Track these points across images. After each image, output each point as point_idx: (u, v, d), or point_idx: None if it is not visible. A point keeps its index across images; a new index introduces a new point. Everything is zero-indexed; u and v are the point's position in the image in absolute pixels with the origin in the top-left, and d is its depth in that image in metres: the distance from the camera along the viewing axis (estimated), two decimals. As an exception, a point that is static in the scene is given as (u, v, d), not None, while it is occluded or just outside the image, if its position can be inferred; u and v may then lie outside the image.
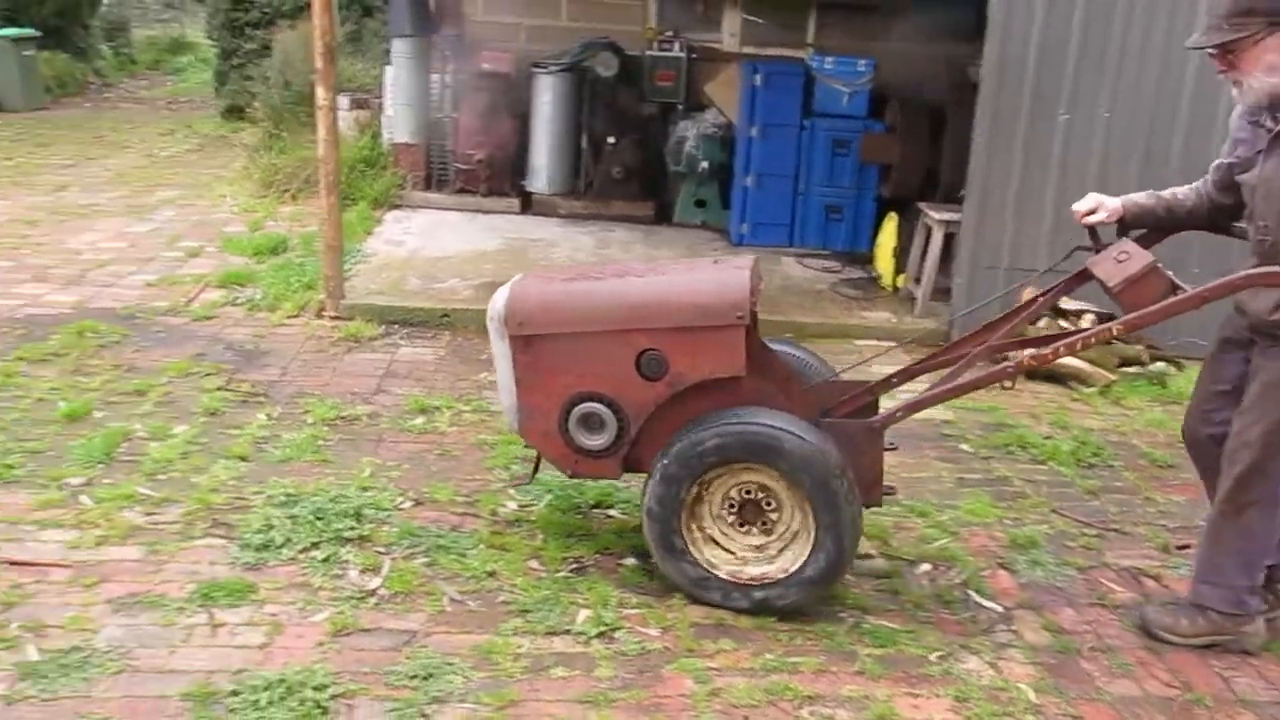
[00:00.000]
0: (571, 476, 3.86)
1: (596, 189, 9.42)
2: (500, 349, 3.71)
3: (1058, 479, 5.01)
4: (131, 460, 4.54)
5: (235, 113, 13.71)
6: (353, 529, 3.96)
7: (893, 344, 6.64)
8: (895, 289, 7.55)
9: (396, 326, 6.52)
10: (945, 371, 3.90)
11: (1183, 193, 3.63)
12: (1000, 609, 3.84)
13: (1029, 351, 3.56)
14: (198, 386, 5.41)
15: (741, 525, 3.61)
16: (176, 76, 21.35)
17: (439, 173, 9.54)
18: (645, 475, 3.61)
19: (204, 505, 4.13)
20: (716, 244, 8.70)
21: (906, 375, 4.02)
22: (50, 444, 4.64)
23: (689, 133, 9.06)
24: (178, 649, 3.25)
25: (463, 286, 7.09)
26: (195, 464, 4.53)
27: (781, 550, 3.58)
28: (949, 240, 6.91)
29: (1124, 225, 3.64)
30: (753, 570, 3.58)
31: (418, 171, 9.43)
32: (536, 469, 4.05)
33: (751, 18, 9.26)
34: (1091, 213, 3.63)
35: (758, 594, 3.55)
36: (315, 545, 3.84)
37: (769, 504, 3.57)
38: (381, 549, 3.87)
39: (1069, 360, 6.15)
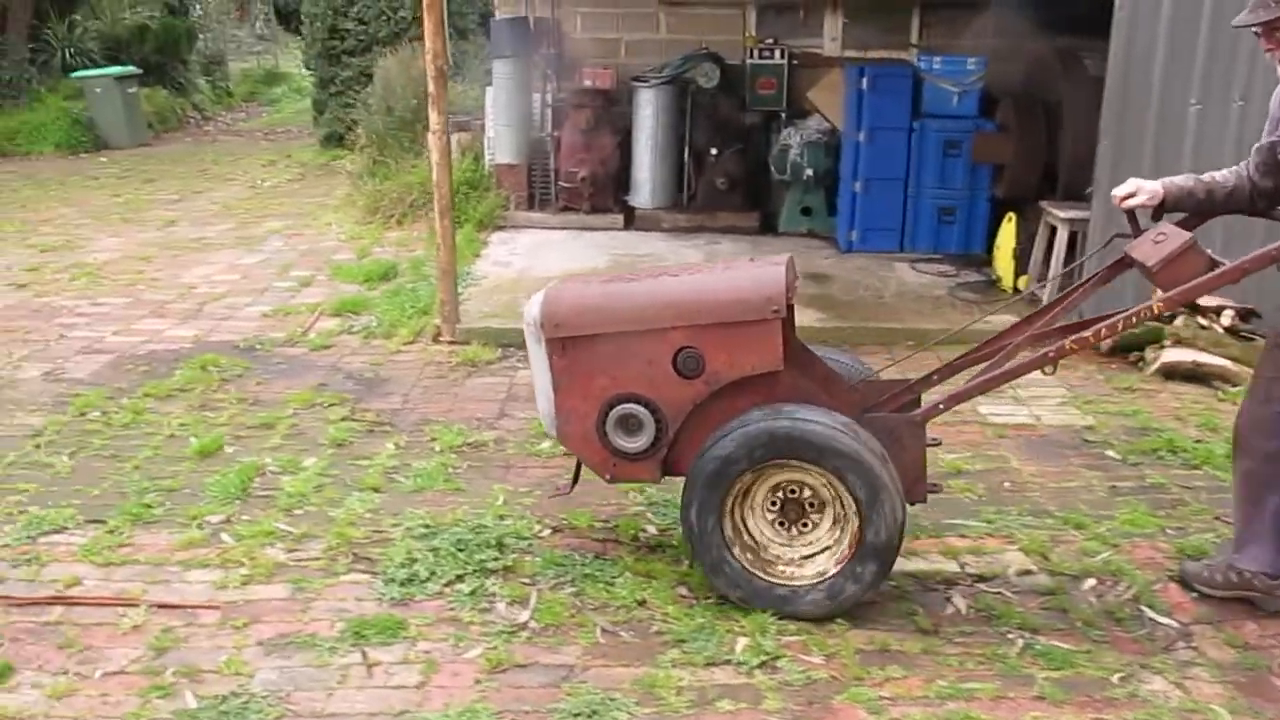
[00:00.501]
0: (610, 481, 3.80)
1: (700, 201, 9.30)
2: (537, 354, 3.69)
3: (1215, 484, 4.73)
4: (266, 495, 4.53)
5: (334, 140, 13.89)
6: (496, 559, 3.88)
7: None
8: (1016, 291, 7.30)
9: (513, 349, 6.46)
10: (986, 364, 3.80)
11: (1222, 175, 3.56)
12: (1177, 625, 3.62)
13: (1072, 337, 3.47)
14: (322, 417, 5.41)
15: (783, 525, 3.56)
16: (272, 107, 21.82)
17: (540, 192, 9.51)
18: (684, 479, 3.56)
19: (344, 540, 4.09)
20: (825, 252, 8.52)
21: (949, 371, 3.94)
22: (185, 481, 4.66)
23: (793, 140, 8.90)
24: (335, 691, 3.19)
25: (575, 306, 7.00)
26: (329, 497, 4.51)
27: (824, 549, 3.52)
28: (1073, 239, 6.66)
29: (1163, 208, 3.58)
30: (798, 571, 3.53)
31: (520, 191, 9.41)
32: (577, 478, 3.98)
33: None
34: (1131, 196, 3.57)
35: (808, 596, 3.49)
36: (460, 578, 3.77)
37: (811, 504, 3.52)
38: (527, 579, 3.78)
39: (1213, 359, 5.88)
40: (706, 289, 3.64)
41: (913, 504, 3.64)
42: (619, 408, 3.58)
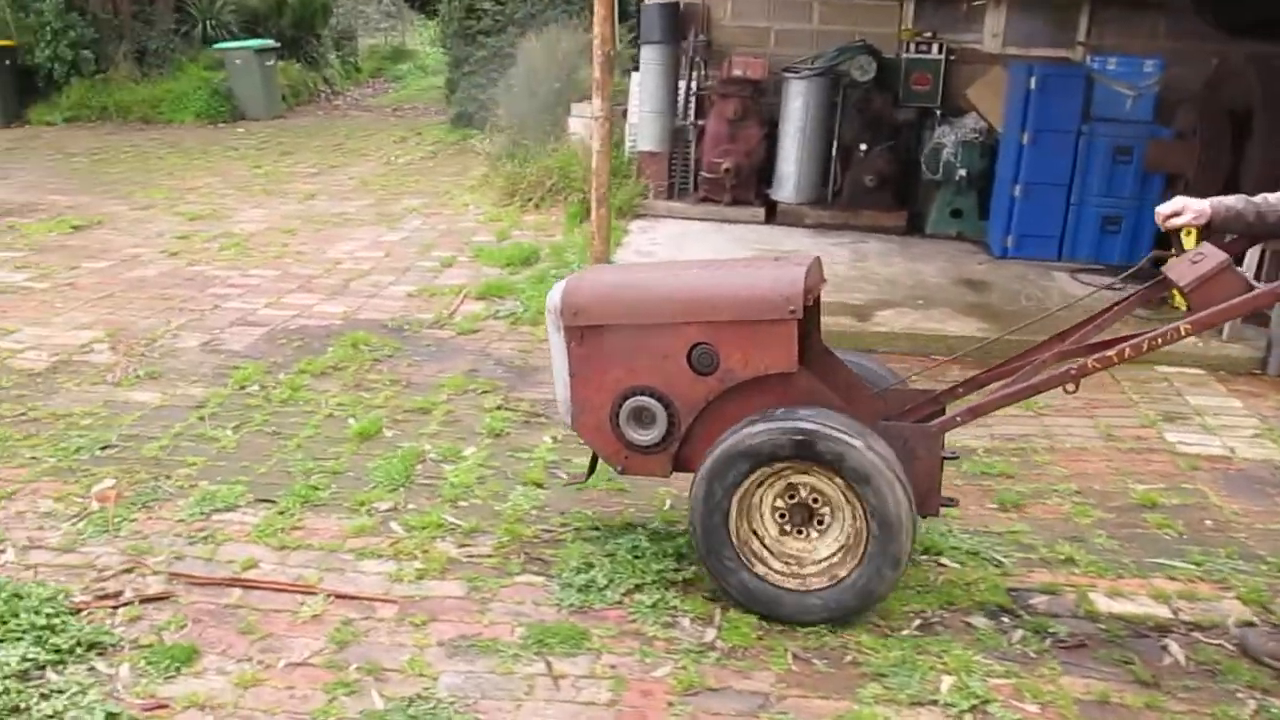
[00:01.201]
0: (621, 473, 3.78)
1: (845, 198, 9.05)
2: (556, 341, 3.69)
3: None
4: (430, 484, 4.45)
5: (465, 120, 13.91)
6: (675, 570, 3.72)
7: (1201, 372, 6.13)
8: (1189, 308, 6.91)
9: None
10: (1009, 379, 3.68)
11: (1275, 198, 3.37)
12: None
13: (1095, 355, 3.39)
14: (477, 405, 5.32)
15: (791, 528, 3.47)
16: (398, 84, 22.01)
17: (680, 181, 9.34)
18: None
19: (514, 537, 3.98)
20: (978, 257, 8.21)
21: (974, 384, 3.85)
22: (348, 464, 4.60)
23: (947, 139, 8.60)
24: (523, 702, 3.07)
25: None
26: (493, 490, 4.41)
27: (829, 555, 3.43)
28: (1262, 258, 6.27)
29: (1210, 229, 3.42)
30: (801, 575, 3.44)
31: (660, 180, 9.25)
32: (593, 468, 3.95)
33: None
34: (1176, 215, 3.41)
35: (806, 601, 3.41)
36: (639, 588, 3.62)
37: (821, 508, 3.44)
38: (708, 595, 3.62)
39: None
40: (725, 285, 3.60)
41: (924, 516, 3.59)
42: (632, 400, 3.58)
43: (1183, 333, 3.26)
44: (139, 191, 10.47)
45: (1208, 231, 3.44)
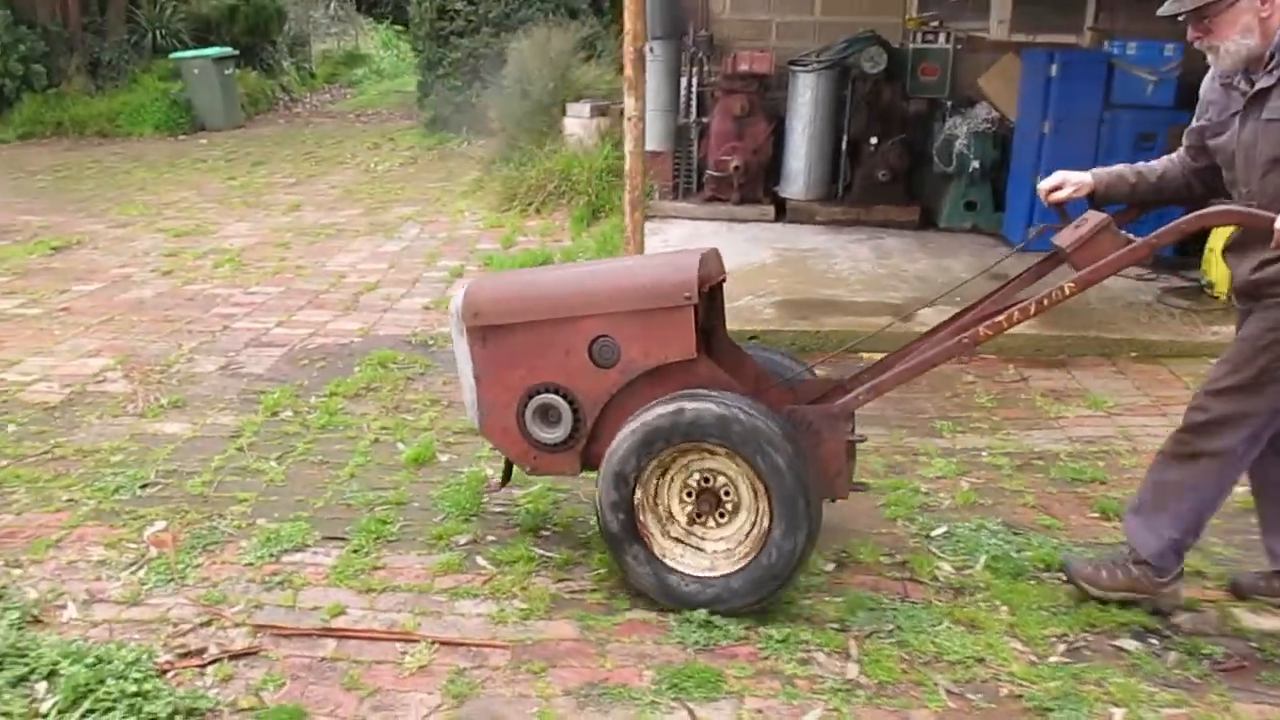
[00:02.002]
0: (530, 474, 3.75)
1: (856, 193, 8.86)
2: (460, 345, 3.67)
3: None
4: (503, 512, 4.17)
5: (440, 124, 13.56)
6: (799, 599, 3.47)
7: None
8: (1229, 298, 6.79)
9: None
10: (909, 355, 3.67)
11: (1155, 162, 3.53)
12: None
13: (986, 322, 3.37)
14: (526, 422, 5.03)
15: (700, 517, 3.44)
16: (354, 89, 21.57)
17: (685, 181, 9.10)
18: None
19: (611, 569, 3.70)
20: (998, 250, 8.04)
21: (882, 368, 3.78)
22: (410, 493, 4.30)
23: (959, 130, 8.43)
24: (677, 756, 2.81)
25: (760, 305, 6.61)
26: (572, 515, 4.13)
27: (738, 542, 3.40)
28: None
29: (1095, 200, 3.52)
30: (711, 564, 3.40)
31: (666, 180, 9.00)
32: (508, 474, 3.89)
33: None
34: (1057, 189, 3.52)
35: (708, 591, 3.36)
36: (762, 621, 3.37)
37: (727, 493, 3.41)
38: (836, 625, 3.38)
39: None
40: (621, 277, 3.62)
41: (833, 500, 3.60)
42: (537, 398, 3.56)
43: (1067, 292, 3.23)
44: (114, 209, 10.03)
45: (1092, 201, 3.51)
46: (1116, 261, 3.22)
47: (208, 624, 3.34)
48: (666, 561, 3.40)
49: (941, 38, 8.65)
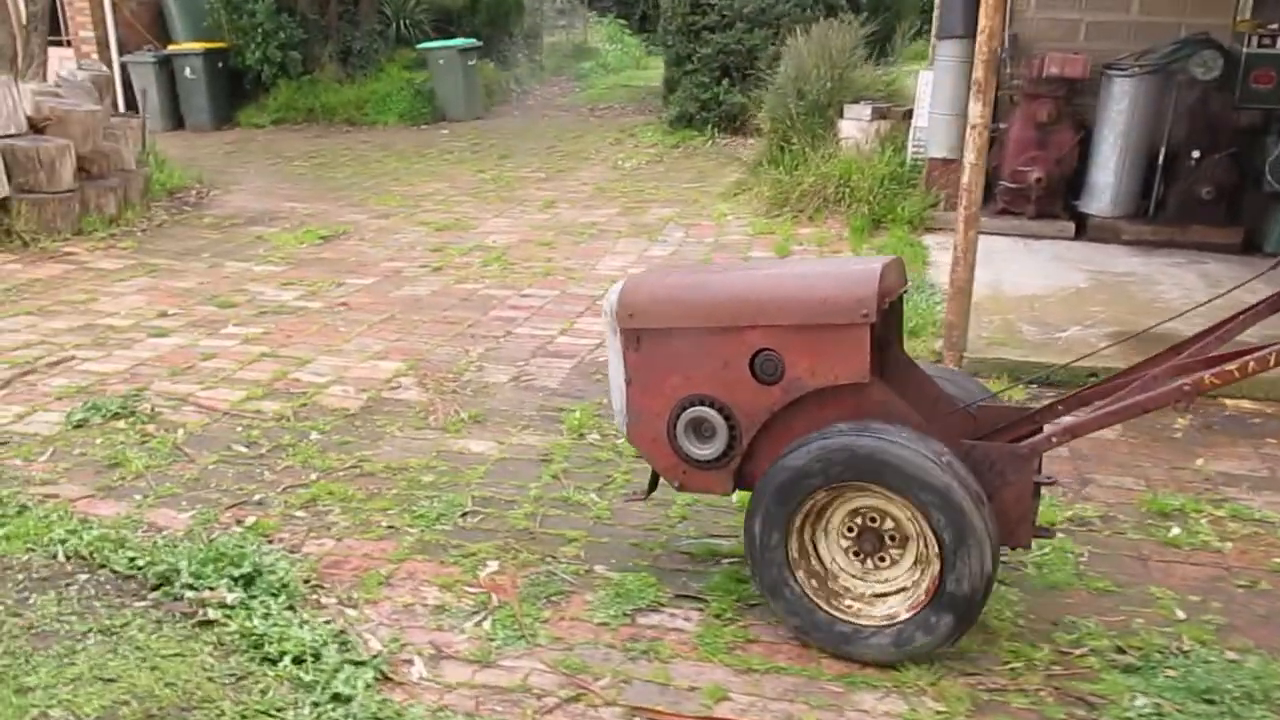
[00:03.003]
0: (679, 489, 3.44)
1: (1169, 212, 7.96)
2: (612, 345, 3.41)
3: None
4: (863, 575, 3.63)
5: (684, 120, 13.15)
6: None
7: None
8: None
9: (1033, 386, 5.40)
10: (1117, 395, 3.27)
11: None
12: None
13: (1213, 370, 2.98)
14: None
15: (858, 555, 3.15)
16: (582, 83, 21.46)
17: (972, 191, 8.38)
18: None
19: (1024, 661, 3.12)
20: (1348, 283, 7.06)
21: (1076, 401, 3.47)
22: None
23: (1299, 145, 7.46)
24: None
25: (1090, 336, 5.88)
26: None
27: (899, 589, 3.09)
28: None
29: None
30: (866, 609, 3.11)
31: (954, 190, 8.30)
32: (654, 484, 3.57)
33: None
34: None
35: (872, 639, 3.06)
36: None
37: (892, 537, 3.10)
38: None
39: None
40: (792, 286, 3.29)
41: (1013, 549, 3.30)
42: (691, 410, 3.28)
43: None
44: (372, 198, 9.99)
45: None
46: None
47: (575, 699, 2.91)
48: (813, 595, 3.14)
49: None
